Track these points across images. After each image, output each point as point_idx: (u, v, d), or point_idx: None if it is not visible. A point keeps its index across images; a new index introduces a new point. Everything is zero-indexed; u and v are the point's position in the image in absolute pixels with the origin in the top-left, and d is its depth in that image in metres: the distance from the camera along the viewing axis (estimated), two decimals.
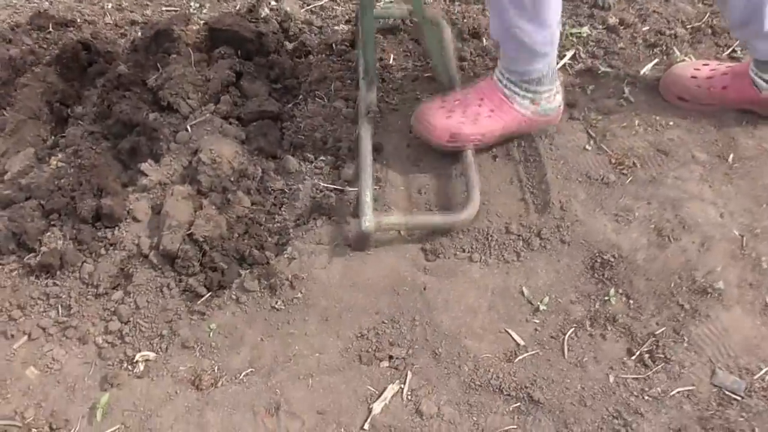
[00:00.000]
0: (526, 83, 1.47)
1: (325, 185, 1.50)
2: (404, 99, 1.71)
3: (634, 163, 1.53)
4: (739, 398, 1.17)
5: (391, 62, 1.82)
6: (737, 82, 1.59)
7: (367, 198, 1.38)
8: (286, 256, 1.38)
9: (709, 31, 1.90)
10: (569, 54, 1.83)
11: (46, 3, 2.26)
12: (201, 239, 1.34)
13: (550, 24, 1.39)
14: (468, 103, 1.52)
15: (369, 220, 1.34)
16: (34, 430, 1.17)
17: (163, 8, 2.22)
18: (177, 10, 2.19)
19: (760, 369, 1.20)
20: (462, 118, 1.49)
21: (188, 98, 1.67)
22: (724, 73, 1.62)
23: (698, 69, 1.66)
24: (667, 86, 1.68)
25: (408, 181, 1.52)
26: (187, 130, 1.60)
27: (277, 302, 1.31)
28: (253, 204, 1.48)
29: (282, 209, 1.48)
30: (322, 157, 1.57)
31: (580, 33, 1.89)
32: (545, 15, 1.37)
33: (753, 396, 1.17)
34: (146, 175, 1.51)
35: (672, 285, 1.32)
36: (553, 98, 1.52)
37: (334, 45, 1.90)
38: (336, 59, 1.84)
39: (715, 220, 1.41)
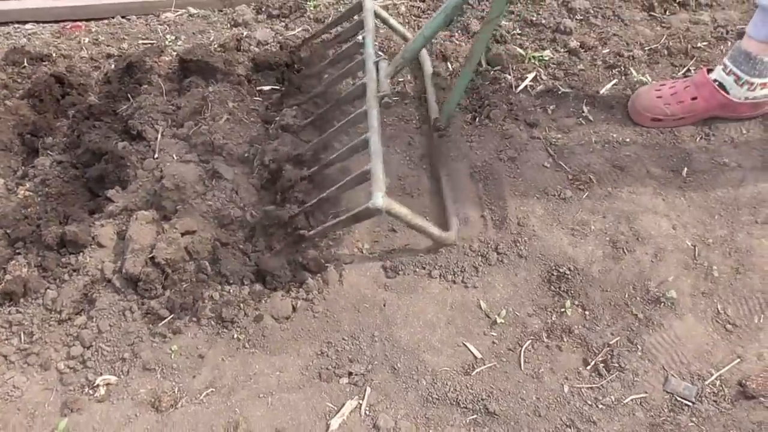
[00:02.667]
0: None
1: None
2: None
3: (590, 179, 1.56)
4: (690, 404, 1.18)
5: None
6: (703, 91, 1.64)
7: (380, 175, 1.32)
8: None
9: (666, 52, 1.96)
10: (531, 76, 1.88)
11: (24, 39, 2.31)
12: (163, 262, 1.36)
13: None
14: None
15: (383, 198, 1.28)
16: None
17: (140, 41, 2.27)
18: (153, 43, 2.25)
19: (711, 374, 1.22)
20: None
21: (157, 126, 1.71)
22: (686, 86, 1.68)
23: (659, 89, 1.71)
24: (637, 112, 1.72)
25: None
26: (154, 157, 1.63)
27: (233, 333, 1.33)
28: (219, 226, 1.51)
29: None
30: None
31: (542, 56, 1.94)
32: None
33: (704, 401, 1.19)
34: (112, 202, 1.54)
35: (626, 296, 1.34)
36: None
37: None
38: None
39: (668, 231, 1.44)
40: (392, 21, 2.01)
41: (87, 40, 2.27)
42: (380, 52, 1.71)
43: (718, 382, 1.21)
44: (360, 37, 1.77)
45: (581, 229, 1.46)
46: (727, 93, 1.62)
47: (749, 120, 1.69)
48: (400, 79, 1.90)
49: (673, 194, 1.53)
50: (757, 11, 1.55)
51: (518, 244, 1.43)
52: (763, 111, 1.68)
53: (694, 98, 1.65)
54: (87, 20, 2.47)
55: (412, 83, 1.90)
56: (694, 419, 1.16)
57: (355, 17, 1.95)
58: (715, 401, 1.19)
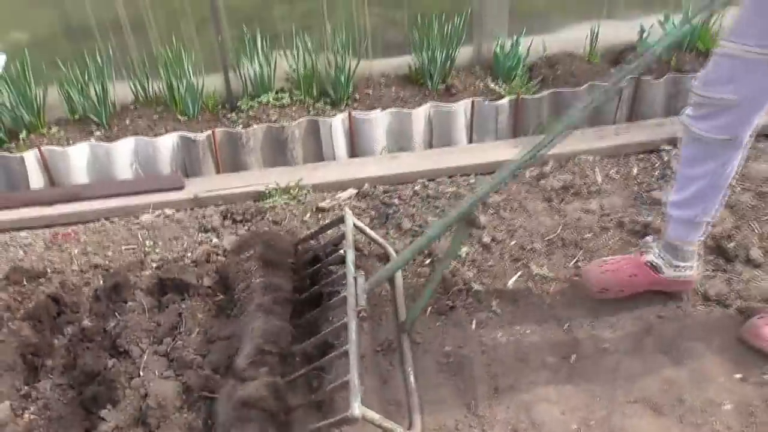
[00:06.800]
0: None
1: None
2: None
3: (497, 373, 1.92)
4: None
5: None
6: (641, 270, 2.09)
7: (357, 385, 1.59)
8: None
9: (560, 243, 2.40)
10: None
11: (21, 252, 2.68)
12: None
13: None
14: None
15: (358, 408, 1.55)
16: None
17: (123, 247, 2.65)
18: (134, 248, 2.63)
19: None
20: None
21: (140, 344, 2.05)
22: (626, 264, 2.13)
23: (602, 266, 2.16)
24: (590, 283, 2.15)
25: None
26: (139, 374, 1.96)
27: None
28: None
29: None
30: None
31: (460, 253, 2.36)
32: None
33: None
34: (105, 421, 1.85)
35: None
36: None
37: None
38: None
39: (557, 417, 1.79)
40: (369, 231, 2.40)
41: (77, 250, 2.64)
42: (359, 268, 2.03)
43: None
44: (342, 251, 2.13)
45: (489, 420, 1.80)
46: (660, 273, 2.05)
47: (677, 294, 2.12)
48: None
49: (562, 382, 1.89)
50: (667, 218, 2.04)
51: None
52: (691, 286, 2.12)
53: (633, 275, 2.07)
54: (75, 224, 2.86)
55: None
56: None
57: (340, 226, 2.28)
58: None
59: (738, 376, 1.88)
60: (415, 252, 1.88)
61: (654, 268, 2.07)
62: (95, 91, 3.07)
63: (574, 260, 2.31)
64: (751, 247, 2.31)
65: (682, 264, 2.05)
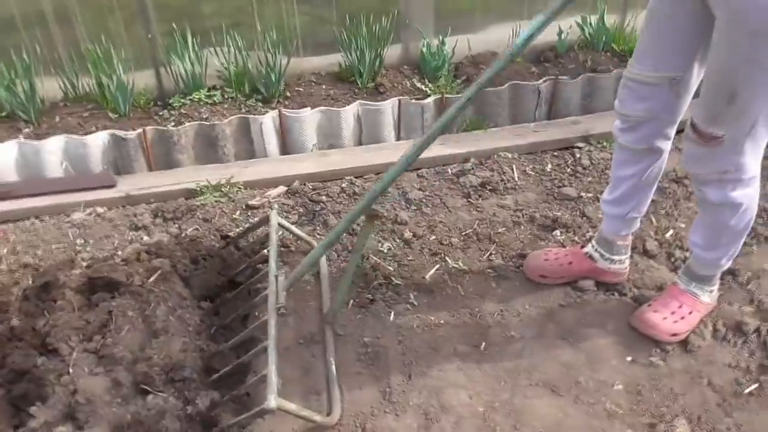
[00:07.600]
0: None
1: None
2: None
3: (411, 361, 2.07)
4: None
5: None
6: (578, 258, 2.29)
7: (273, 379, 1.69)
8: None
9: (475, 237, 2.56)
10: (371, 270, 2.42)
11: None
12: None
13: None
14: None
15: (275, 400, 1.65)
16: None
17: (53, 246, 2.68)
18: (65, 247, 2.66)
19: None
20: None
21: (69, 342, 2.11)
22: (565, 254, 2.34)
23: (547, 254, 2.36)
24: (530, 269, 2.35)
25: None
26: (69, 371, 2.02)
27: None
28: None
29: None
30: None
31: (382, 249, 2.49)
32: None
33: None
34: (34, 417, 1.91)
35: None
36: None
37: None
38: None
39: (465, 401, 1.95)
40: (294, 229, 2.49)
41: (6, 250, 2.66)
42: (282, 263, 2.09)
43: None
44: (265, 251, 2.22)
45: (402, 405, 1.94)
46: (595, 262, 2.27)
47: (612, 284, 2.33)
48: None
49: (471, 368, 2.05)
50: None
51: (354, 427, 1.90)
52: (623, 278, 2.33)
53: (570, 263, 2.30)
54: (5, 222, 2.86)
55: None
56: None
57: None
58: None
59: (629, 358, 2.08)
60: (325, 248, 1.99)
61: (590, 258, 2.27)
62: (22, 87, 3.06)
63: (488, 254, 2.48)
64: (648, 239, 2.53)
65: (614, 257, 2.27)
